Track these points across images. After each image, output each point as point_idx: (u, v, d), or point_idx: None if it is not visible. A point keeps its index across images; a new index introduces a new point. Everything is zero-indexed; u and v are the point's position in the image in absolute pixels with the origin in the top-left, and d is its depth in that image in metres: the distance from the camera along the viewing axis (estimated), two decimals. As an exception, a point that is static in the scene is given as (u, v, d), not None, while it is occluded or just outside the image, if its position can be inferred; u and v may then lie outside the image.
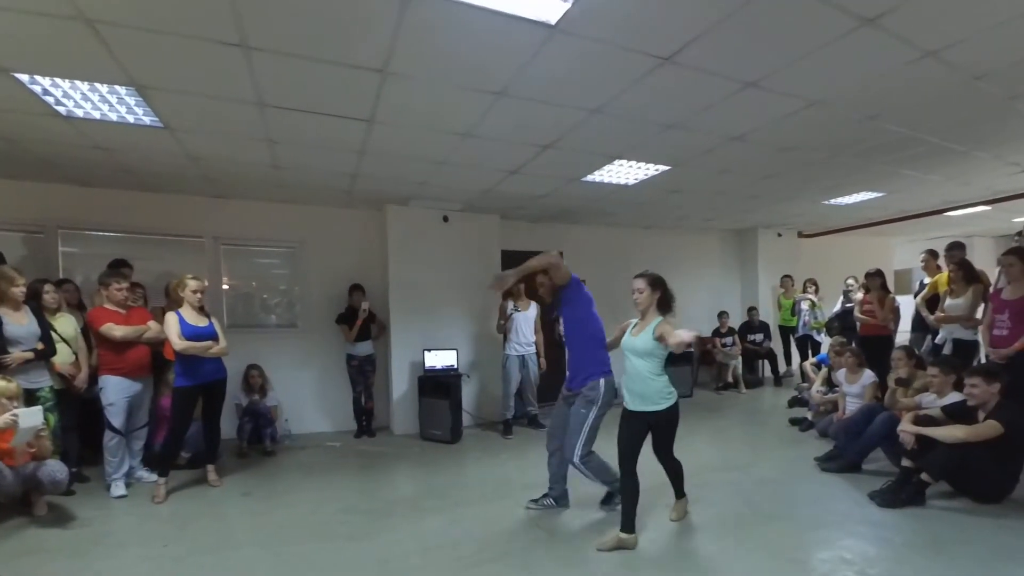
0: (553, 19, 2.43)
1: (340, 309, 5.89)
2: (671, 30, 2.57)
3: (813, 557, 2.90)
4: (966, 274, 4.84)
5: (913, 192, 6.25)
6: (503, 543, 3.19)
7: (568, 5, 2.33)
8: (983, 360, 4.54)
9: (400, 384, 6.14)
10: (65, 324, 4.08)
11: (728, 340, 8.20)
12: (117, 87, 3.03)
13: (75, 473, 3.99)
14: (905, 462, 3.66)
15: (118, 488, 3.97)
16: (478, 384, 6.51)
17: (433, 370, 5.88)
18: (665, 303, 3.10)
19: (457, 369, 5.96)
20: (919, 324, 5.75)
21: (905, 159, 4.84)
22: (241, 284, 6.14)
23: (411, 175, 4.91)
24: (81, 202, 5.15)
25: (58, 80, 2.96)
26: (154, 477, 4.12)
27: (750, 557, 2.93)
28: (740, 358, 8.20)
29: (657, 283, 3.12)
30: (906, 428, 3.69)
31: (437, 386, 5.73)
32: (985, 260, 9.42)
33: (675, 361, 7.61)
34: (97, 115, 3.41)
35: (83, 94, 3.12)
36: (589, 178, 5.10)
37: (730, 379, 8.11)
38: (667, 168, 4.84)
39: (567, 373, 3.61)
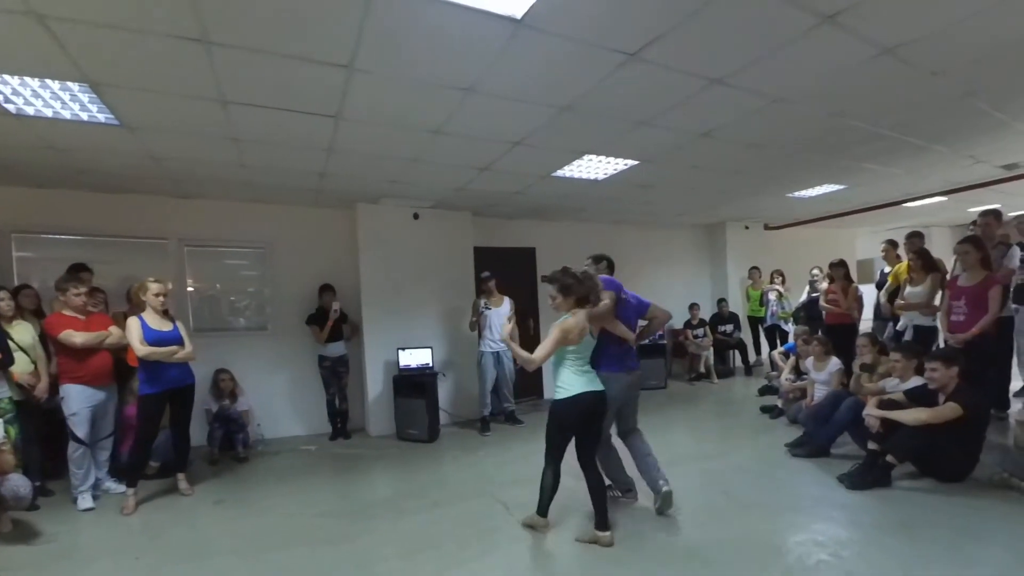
0: (519, 13, 2.41)
1: (311, 310, 5.80)
2: (637, 25, 2.58)
3: (788, 541, 2.98)
4: (925, 263, 5.01)
5: (874, 185, 6.44)
6: (483, 541, 3.19)
7: (533, -1, 2.32)
8: (942, 345, 4.71)
9: (375, 384, 6.07)
10: (22, 332, 3.92)
11: (699, 331, 8.34)
12: (69, 83, 2.91)
13: (39, 487, 3.85)
14: (871, 445, 3.79)
15: (85, 501, 3.85)
16: (454, 382, 6.49)
17: (408, 369, 5.84)
18: (584, 300, 3.08)
19: (432, 367, 5.93)
20: (881, 312, 5.94)
21: (866, 153, 4.98)
22: (207, 287, 5.98)
23: (381, 173, 4.84)
24: (36, 204, 4.94)
25: (6, 76, 2.83)
26: (122, 488, 4.00)
27: (727, 544, 2.99)
28: (711, 349, 8.35)
29: (568, 288, 3.05)
30: (871, 412, 3.81)
31: (413, 385, 5.68)
32: (943, 249, 9.76)
33: (649, 353, 7.79)
34: (49, 113, 3.27)
35: (33, 91, 2.98)
36: (559, 173, 5.11)
37: (702, 370, 8.25)
38: (636, 163, 4.89)
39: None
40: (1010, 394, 4.95)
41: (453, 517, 3.56)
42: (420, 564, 2.94)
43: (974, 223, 5.18)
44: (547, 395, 7.54)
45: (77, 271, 4.46)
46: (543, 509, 3.24)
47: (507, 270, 6.72)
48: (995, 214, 4.92)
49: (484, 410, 5.94)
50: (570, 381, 3.04)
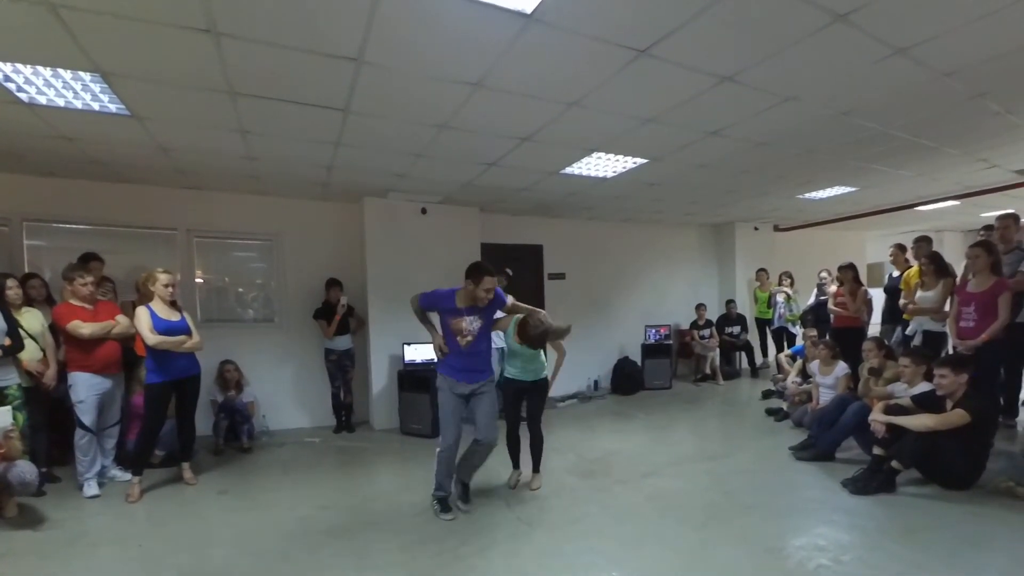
0: (529, 8, 2.40)
1: (318, 303, 5.82)
2: (648, 22, 2.56)
3: (788, 545, 2.96)
4: (937, 267, 4.94)
5: (885, 187, 6.38)
6: (484, 536, 3.19)
7: (544, -7, 2.30)
8: (951, 351, 4.65)
9: (379, 379, 6.09)
10: (31, 320, 3.96)
11: (706, 332, 8.30)
12: (81, 73, 2.92)
13: (45, 473, 3.89)
14: (876, 450, 3.76)
15: (91, 488, 3.89)
16: (458, 378, 6.47)
17: (413, 364, 5.85)
18: None
19: (437, 363, 5.92)
20: (890, 316, 5.88)
21: (877, 155, 4.93)
22: (215, 278, 6.02)
23: (388, 167, 4.85)
24: (48, 194, 4.99)
25: (19, 66, 2.85)
26: (128, 476, 4.04)
27: (727, 546, 2.98)
28: (718, 350, 8.31)
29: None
30: (877, 417, 3.77)
31: (417, 380, 5.69)
32: (954, 254, 9.68)
33: (655, 354, 7.78)
34: (61, 102, 3.30)
35: (46, 80, 3.00)
36: (568, 171, 5.09)
37: (708, 371, 8.21)
38: (645, 161, 4.86)
39: (468, 371, 3.80)
40: (1020, 402, 4.89)
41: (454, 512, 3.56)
42: (420, 558, 2.95)
43: (986, 228, 5.11)
44: (550, 393, 7.52)
45: (87, 260, 4.49)
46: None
47: (514, 267, 6.69)
48: (1014, 218, 4.85)
49: (487, 406, 5.93)
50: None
